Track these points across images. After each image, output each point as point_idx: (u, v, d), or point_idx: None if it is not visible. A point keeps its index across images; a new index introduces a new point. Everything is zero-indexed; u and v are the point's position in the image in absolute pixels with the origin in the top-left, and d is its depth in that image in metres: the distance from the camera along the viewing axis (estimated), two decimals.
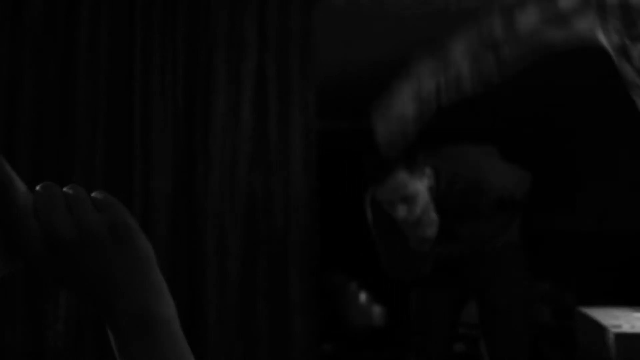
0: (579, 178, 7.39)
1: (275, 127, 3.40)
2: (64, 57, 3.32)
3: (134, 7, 3.36)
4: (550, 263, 6.64)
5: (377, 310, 5.41)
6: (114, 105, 3.35)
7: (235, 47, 3.39)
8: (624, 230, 6.77)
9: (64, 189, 0.62)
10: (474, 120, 7.60)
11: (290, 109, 3.41)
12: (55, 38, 3.31)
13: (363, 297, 5.80)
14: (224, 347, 3.30)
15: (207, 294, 3.31)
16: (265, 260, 3.37)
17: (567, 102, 6.86)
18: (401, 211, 2.45)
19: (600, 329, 2.31)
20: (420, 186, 2.44)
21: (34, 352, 3.15)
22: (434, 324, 2.82)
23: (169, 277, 3.29)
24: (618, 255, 6.70)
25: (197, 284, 3.33)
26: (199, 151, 3.36)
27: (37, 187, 0.61)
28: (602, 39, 1.87)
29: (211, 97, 3.36)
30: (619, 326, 2.24)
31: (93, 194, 0.62)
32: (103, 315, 0.62)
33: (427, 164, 2.52)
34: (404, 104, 2.15)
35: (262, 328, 3.35)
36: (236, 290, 3.34)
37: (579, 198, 7.30)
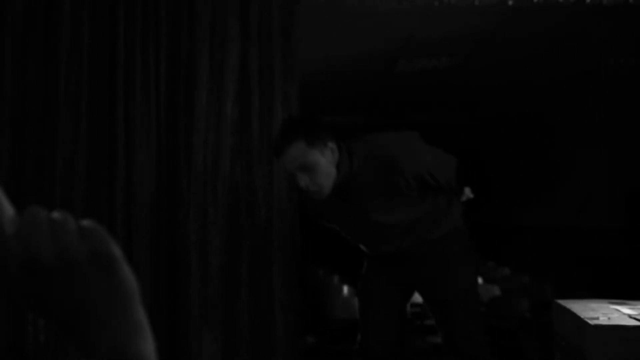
0: (558, 173, 7.42)
1: (258, 121, 3.38)
2: (45, 52, 3.28)
3: (117, 2, 3.33)
4: (529, 256, 6.67)
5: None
6: (95, 100, 3.32)
7: (218, 42, 3.37)
8: (602, 224, 6.82)
9: (52, 215, 0.60)
10: (455, 115, 7.63)
11: (273, 104, 3.39)
12: (36, 34, 3.28)
13: (345, 290, 5.79)
14: (206, 340, 3.28)
15: (190, 287, 3.28)
16: (248, 254, 3.35)
17: (545, 97, 6.89)
18: (301, 180, 2.48)
19: (577, 321, 2.32)
20: (321, 158, 2.47)
21: (15, 346, 3.12)
22: (382, 319, 2.77)
23: (152, 271, 3.29)
24: (595, 248, 6.74)
25: (180, 278, 3.30)
26: (182, 145, 3.34)
27: (24, 211, 0.60)
28: None
29: (194, 92, 3.34)
30: (596, 318, 2.25)
31: (81, 222, 0.61)
32: (80, 350, 0.60)
33: (339, 144, 2.56)
34: None
35: (244, 321, 3.33)
36: (219, 283, 3.32)
37: (557, 192, 7.34)
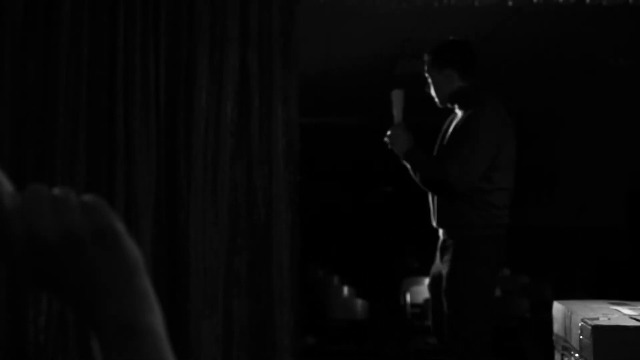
0: (558, 172, 7.40)
1: (258, 122, 3.36)
2: (44, 52, 3.26)
3: (117, 3, 3.31)
4: (529, 257, 6.64)
5: (359, 304, 5.38)
6: (95, 101, 3.30)
7: (217, 42, 3.34)
8: (602, 225, 6.79)
9: (53, 191, 0.60)
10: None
11: (273, 104, 3.37)
12: (35, 34, 3.26)
13: (346, 290, 5.78)
14: (205, 339, 3.26)
15: (189, 287, 3.26)
16: (247, 254, 3.33)
17: (545, 98, 6.87)
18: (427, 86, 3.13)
19: (577, 322, 2.30)
20: (436, 76, 3.06)
21: (14, 346, 3.10)
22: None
23: (151, 271, 3.27)
24: (596, 249, 6.72)
25: (179, 277, 3.28)
26: (182, 146, 3.32)
27: (25, 188, 0.59)
28: None
29: (193, 92, 3.31)
30: (596, 319, 2.22)
31: (83, 197, 0.60)
32: (87, 322, 0.59)
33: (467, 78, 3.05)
34: None
35: (243, 321, 3.31)
36: (219, 284, 3.31)
37: (557, 192, 7.31)
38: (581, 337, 2.23)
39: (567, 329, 2.48)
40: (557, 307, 2.63)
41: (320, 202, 7.38)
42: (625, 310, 2.37)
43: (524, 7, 4.20)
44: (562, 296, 2.84)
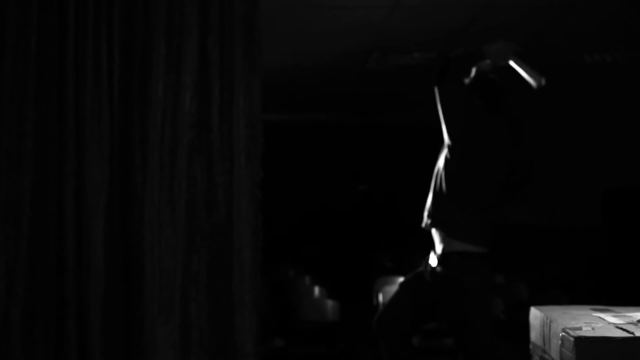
0: (532, 170, 7.28)
1: (218, 114, 3.13)
2: None
3: None
4: (503, 256, 6.49)
5: (330, 304, 5.19)
6: (44, 92, 3.06)
7: (175, 29, 3.10)
8: (577, 223, 6.68)
9: None
10: (430, 114, 7.44)
11: (234, 96, 3.14)
12: None
13: (317, 291, 5.58)
14: (162, 343, 3.04)
15: (144, 289, 3.04)
16: (206, 255, 3.12)
17: (519, 94, 6.73)
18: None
19: (557, 331, 2.08)
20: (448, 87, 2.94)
21: None
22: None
23: (104, 272, 3.03)
24: (571, 248, 6.60)
25: (134, 281, 3.06)
26: (136, 140, 3.09)
27: None
28: None
29: (149, 83, 3.08)
30: (579, 328, 2.00)
31: None
32: None
33: None
34: None
35: (202, 324, 3.11)
36: (175, 287, 3.09)
37: (531, 190, 7.19)
38: (562, 348, 2.01)
39: (545, 337, 2.25)
40: (535, 314, 2.41)
41: (291, 201, 7.20)
42: (610, 318, 2.15)
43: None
44: (537, 296, 2.71)
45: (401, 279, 3.59)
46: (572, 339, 1.93)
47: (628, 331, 1.97)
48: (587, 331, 1.97)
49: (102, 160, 3.05)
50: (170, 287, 3.07)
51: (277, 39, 3.80)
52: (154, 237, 3.06)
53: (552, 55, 5.36)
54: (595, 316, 2.21)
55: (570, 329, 2.01)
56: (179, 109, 3.10)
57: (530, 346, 2.47)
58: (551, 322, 2.19)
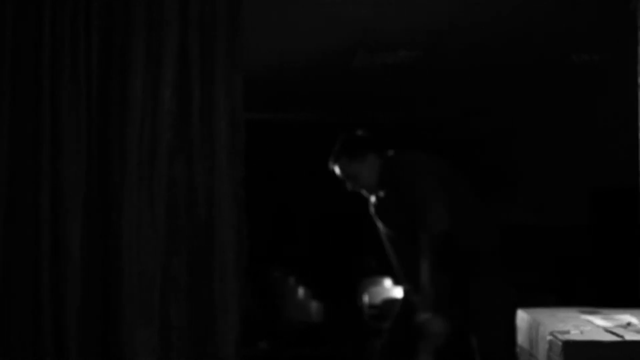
0: (518, 170, 7.28)
1: (199, 113, 3.04)
2: None
3: None
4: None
5: (315, 306, 5.15)
6: (19, 89, 2.97)
7: (155, 25, 3.01)
8: (564, 223, 6.67)
9: None
10: (416, 113, 7.41)
11: (216, 94, 3.06)
12: None
13: (302, 292, 5.53)
14: (141, 347, 2.97)
15: (123, 294, 2.96)
16: (186, 257, 3.04)
17: (505, 93, 6.73)
18: (348, 185, 3.19)
19: (545, 335, 2.02)
20: (360, 168, 3.12)
21: None
22: None
23: (82, 273, 2.95)
24: (557, 248, 6.58)
25: (112, 283, 2.98)
26: (115, 139, 3.01)
27: None
28: None
29: (128, 80, 3.00)
30: (567, 332, 1.94)
31: None
32: None
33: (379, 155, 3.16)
34: None
35: (182, 328, 3.03)
36: (155, 289, 3.01)
37: (517, 190, 7.19)
38: (550, 352, 1.95)
39: (532, 341, 2.20)
40: (522, 317, 2.35)
41: (276, 201, 7.16)
42: (599, 321, 2.10)
43: None
44: (523, 297, 2.68)
45: (387, 281, 3.62)
46: (560, 342, 1.88)
47: (617, 334, 1.92)
48: (575, 335, 1.92)
49: (79, 159, 2.97)
50: (149, 289, 2.99)
51: (260, 35, 3.73)
52: (133, 238, 2.98)
53: (540, 53, 5.34)
54: (584, 319, 2.16)
55: (558, 332, 1.96)
56: (158, 107, 3.01)
57: (517, 349, 2.42)
58: (539, 325, 2.14)
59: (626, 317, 2.19)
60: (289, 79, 5.70)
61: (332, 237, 8.16)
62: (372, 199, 3.18)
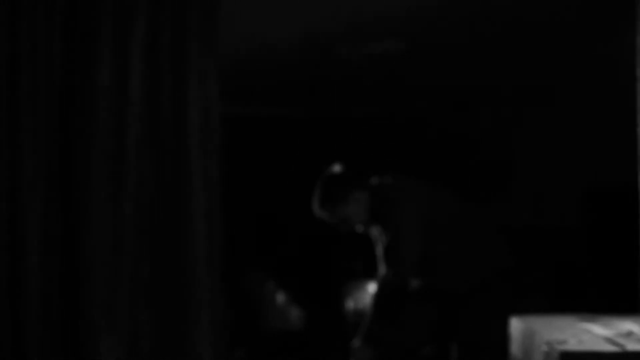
0: (510, 170, 7.30)
1: (170, 104, 2.99)
2: None
3: None
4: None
5: (295, 312, 5.13)
6: None
7: (121, 7, 2.95)
8: (556, 224, 6.70)
9: None
10: (417, 108, 7.41)
11: (188, 84, 2.99)
12: None
13: (281, 297, 5.51)
14: (108, 356, 2.91)
15: (86, 300, 2.91)
16: (157, 261, 2.98)
17: (496, 91, 6.75)
18: (342, 228, 3.32)
19: (540, 344, 1.98)
20: (348, 209, 3.22)
21: None
22: None
23: (42, 276, 2.87)
24: (550, 250, 6.61)
25: (74, 289, 2.93)
26: (78, 133, 2.94)
27: None
28: None
29: (93, 69, 2.94)
30: (564, 341, 1.90)
31: None
32: None
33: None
34: None
35: (153, 339, 2.98)
36: (123, 293, 2.95)
37: (510, 190, 7.22)
38: None
39: (527, 351, 2.16)
40: (515, 325, 2.31)
41: (254, 201, 7.10)
42: (598, 330, 2.06)
43: None
44: (514, 302, 2.67)
45: (373, 285, 3.70)
46: (557, 353, 1.83)
47: (619, 344, 1.88)
48: (573, 345, 1.88)
49: (39, 154, 2.90)
50: (115, 294, 2.93)
51: (234, 21, 3.67)
52: (98, 240, 2.92)
53: (534, 44, 5.33)
54: (582, 327, 2.12)
55: (554, 342, 1.91)
56: (125, 98, 2.95)
57: (511, 357, 2.38)
58: (533, 333, 2.10)
59: (627, 324, 2.16)
60: (264, 69, 5.66)
61: (313, 237, 8.14)
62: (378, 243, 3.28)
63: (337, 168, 3.33)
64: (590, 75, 5.96)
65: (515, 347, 2.32)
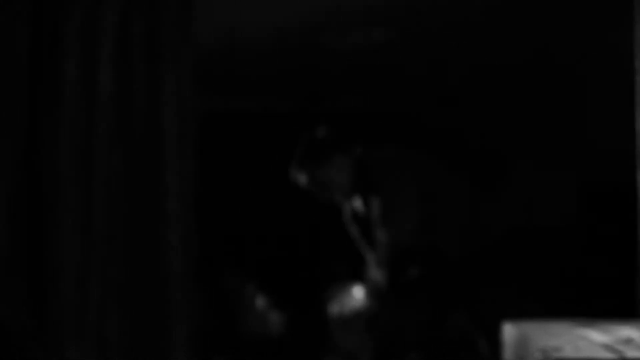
0: (504, 168, 7.34)
1: (143, 97, 2.99)
2: None
3: None
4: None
5: (276, 316, 5.16)
6: None
7: None
8: (552, 224, 6.74)
9: None
10: (390, 101, 7.42)
11: (161, 77, 3.00)
12: None
13: (261, 300, 5.53)
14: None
15: (54, 306, 2.92)
16: (128, 263, 3.00)
17: (490, 86, 6.78)
18: (320, 196, 3.38)
19: (534, 352, 1.99)
20: (329, 173, 3.26)
21: None
22: None
23: (6, 287, 2.88)
24: (544, 250, 6.65)
25: (42, 294, 2.93)
26: (45, 128, 2.95)
27: None
28: None
29: (60, 60, 2.95)
30: (560, 348, 1.91)
31: None
32: None
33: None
34: None
35: (124, 346, 2.99)
36: (93, 299, 2.95)
37: (503, 190, 7.25)
38: None
39: (521, 358, 2.17)
40: (509, 330, 2.32)
41: (233, 200, 7.11)
42: (595, 336, 2.08)
43: None
44: (505, 307, 2.69)
45: (358, 289, 3.76)
46: None
47: (617, 351, 1.89)
48: (569, 351, 1.89)
49: (2, 153, 2.91)
50: (85, 300, 2.94)
51: (211, 9, 3.68)
52: (67, 242, 2.94)
53: (526, 41, 5.38)
54: (578, 333, 2.14)
55: (550, 349, 1.92)
56: (95, 92, 2.96)
57: None
58: (528, 340, 2.11)
59: (625, 330, 2.17)
60: (243, 59, 5.67)
61: (295, 238, 8.16)
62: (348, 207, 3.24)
63: (321, 130, 3.31)
64: (588, 70, 6.02)
65: (508, 354, 2.33)
